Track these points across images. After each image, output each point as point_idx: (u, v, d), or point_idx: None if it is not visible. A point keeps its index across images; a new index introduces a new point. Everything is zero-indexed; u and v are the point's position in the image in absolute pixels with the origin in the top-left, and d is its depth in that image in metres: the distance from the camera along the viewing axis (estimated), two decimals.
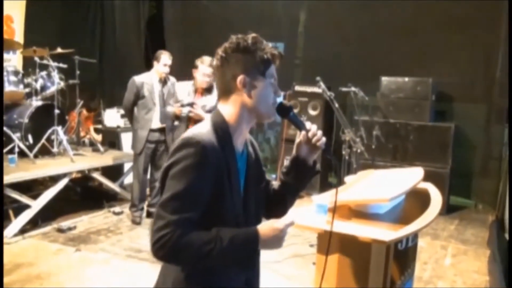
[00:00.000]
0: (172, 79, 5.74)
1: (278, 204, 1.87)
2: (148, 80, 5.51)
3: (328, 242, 1.75)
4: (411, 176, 3.00)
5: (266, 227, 1.57)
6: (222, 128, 1.63)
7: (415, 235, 2.74)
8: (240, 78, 1.62)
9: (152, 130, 5.51)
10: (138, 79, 5.51)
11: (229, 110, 1.66)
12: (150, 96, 5.48)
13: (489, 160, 6.86)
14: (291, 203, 1.89)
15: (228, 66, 1.65)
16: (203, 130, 1.60)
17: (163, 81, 5.58)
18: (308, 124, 1.75)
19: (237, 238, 1.52)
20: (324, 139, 1.75)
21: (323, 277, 1.93)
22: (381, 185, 2.95)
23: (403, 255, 2.62)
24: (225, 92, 1.68)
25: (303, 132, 1.74)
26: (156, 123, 5.52)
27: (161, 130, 5.55)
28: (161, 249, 1.46)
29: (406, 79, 6.65)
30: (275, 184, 1.88)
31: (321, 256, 2.53)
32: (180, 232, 1.46)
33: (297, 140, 1.78)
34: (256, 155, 1.83)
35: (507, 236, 5.32)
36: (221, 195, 1.58)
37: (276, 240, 1.57)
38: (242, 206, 1.67)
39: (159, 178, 1.62)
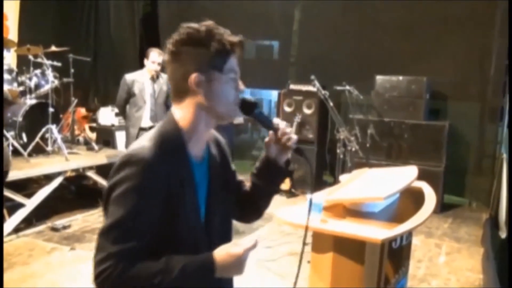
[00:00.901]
0: (165, 77, 5.72)
1: (251, 207, 1.72)
2: (139, 78, 5.49)
3: (304, 238, 1.76)
4: (405, 175, 3.01)
5: (223, 252, 1.39)
6: (173, 138, 1.44)
7: (409, 234, 2.75)
8: (192, 77, 1.41)
9: (142, 129, 5.47)
10: (129, 77, 5.50)
11: (183, 113, 1.47)
12: (141, 94, 5.46)
13: (483, 158, 6.90)
14: (265, 206, 1.72)
15: (179, 62, 1.44)
16: (147, 143, 1.40)
17: (154, 79, 5.54)
18: (276, 122, 1.57)
19: (189, 267, 1.34)
20: (295, 137, 1.56)
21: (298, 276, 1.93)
22: (376, 183, 2.96)
23: (397, 253, 2.62)
24: (178, 93, 1.47)
25: (271, 131, 1.58)
26: (146, 122, 5.50)
27: (152, 129, 5.50)
28: (103, 283, 1.29)
29: (401, 77, 6.66)
30: (248, 185, 1.71)
31: (316, 255, 2.54)
32: (123, 266, 1.29)
33: (266, 139, 1.61)
34: (223, 156, 1.65)
35: (501, 234, 5.35)
36: (174, 215, 1.40)
37: (235, 267, 1.40)
38: (205, 220, 1.50)
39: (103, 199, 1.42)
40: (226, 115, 1.50)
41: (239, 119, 6.21)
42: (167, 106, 5.69)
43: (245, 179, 1.76)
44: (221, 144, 1.67)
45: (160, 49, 6.01)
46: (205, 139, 1.54)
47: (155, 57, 5.46)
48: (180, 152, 1.43)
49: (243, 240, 1.43)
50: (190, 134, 1.47)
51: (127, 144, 5.65)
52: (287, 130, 1.56)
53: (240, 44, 1.47)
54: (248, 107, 1.54)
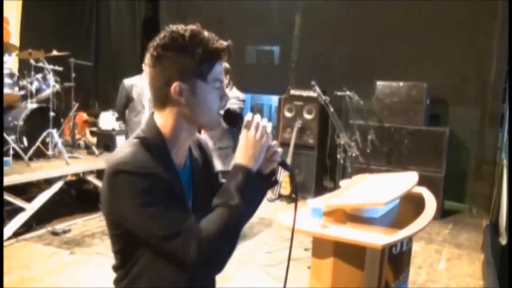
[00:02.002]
0: None
1: None
2: (138, 83, 5.44)
3: (291, 241, 1.76)
4: (405, 181, 3.02)
5: (238, 150, 1.40)
6: (156, 144, 1.37)
7: (409, 239, 2.75)
8: (174, 85, 1.34)
9: None
10: (127, 81, 5.48)
11: (164, 121, 1.40)
12: (139, 98, 5.41)
13: (483, 164, 6.90)
14: (250, 214, 1.58)
15: (160, 68, 1.35)
16: (130, 149, 1.33)
17: None
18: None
19: (236, 185, 1.33)
20: (279, 150, 1.50)
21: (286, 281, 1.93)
22: (376, 189, 2.97)
23: (397, 259, 2.62)
24: (159, 100, 1.40)
25: None
26: None
27: None
28: (204, 255, 1.27)
29: (401, 83, 6.67)
30: None
31: (316, 260, 2.54)
32: (200, 229, 1.28)
33: None
34: (205, 158, 1.60)
35: (501, 240, 5.34)
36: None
37: (258, 145, 1.40)
38: None
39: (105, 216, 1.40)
40: (209, 125, 1.46)
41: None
42: None
43: None
44: (203, 146, 1.63)
45: None
46: (187, 146, 1.50)
47: None
48: (164, 158, 1.38)
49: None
50: (172, 142, 1.42)
51: None
52: (272, 143, 1.48)
53: (228, 50, 1.40)
54: (232, 118, 1.49)
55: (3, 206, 4.96)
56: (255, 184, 1.39)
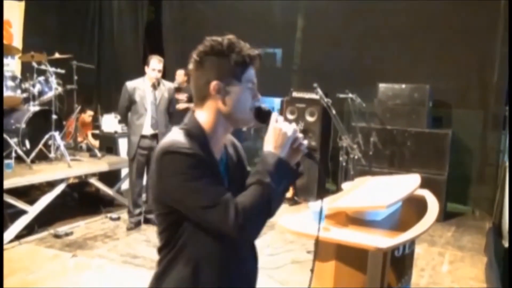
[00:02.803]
0: (168, 84, 5.73)
1: None
2: (140, 85, 5.48)
3: (315, 249, 1.75)
4: (408, 183, 3.01)
5: (266, 142, 1.58)
6: (198, 136, 1.57)
7: (412, 242, 2.74)
8: (213, 84, 1.56)
9: (143, 136, 5.47)
10: (130, 84, 5.49)
11: (204, 116, 1.61)
12: (142, 101, 5.44)
13: (486, 166, 6.88)
14: (277, 205, 1.76)
15: (202, 70, 1.59)
16: (178, 137, 1.53)
17: (155, 86, 5.52)
18: None
19: (272, 173, 1.51)
20: (305, 142, 1.67)
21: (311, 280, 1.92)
22: (378, 192, 2.96)
23: (400, 262, 2.62)
24: (200, 98, 1.62)
25: None
26: (147, 129, 5.48)
27: (154, 137, 5.49)
28: (244, 224, 1.44)
29: (403, 85, 6.66)
30: None
31: (318, 263, 2.53)
32: (238, 202, 1.45)
33: None
34: (239, 157, 1.77)
35: (504, 243, 5.32)
36: None
37: (282, 133, 1.58)
38: None
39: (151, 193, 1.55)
40: (242, 120, 1.64)
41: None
42: (170, 114, 5.69)
43: None
44: (237, 147, 1.80)
45: (163, 56, 6.02)
46: (223, 141, 1.68)
47: (155, 64, 5.44)
48: (205, 148, 1.55)
49: None
50: (210, 135, 1.60)
51: (128, 152, 5.64)
52: (299, 135, 1.65)
53: (258, 57, 1.62)
54: (263, 115, 1.65)
55: (3, 208, 4.97)
56: (282, 169, 1.56)
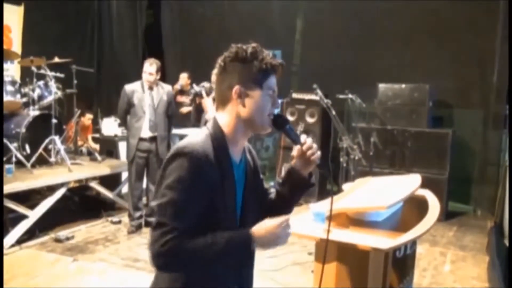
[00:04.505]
0: (167, 87, 5.71)
1: (274, 213, 1.78)
2: (139, 89, 5.48)
3: (325, 252, 1.74)
4: (409, 183, 3.00)
5: (260, 226, 1.59)
6: (218, 138, 1.63)
7: (413, 242, 2.73)
8: (235, 88, 1.62)
9: (142, 139, 5.47)
10: (128, 87, 5.51)
11: (225, 119, 1.66)
12: (140, 104, 5.45)
13: (487, 166, 6.87)
14: (287, 213, 1.83)
15: (225, 75, 1.64)
16: (198, 139, 1.60)
17: (153, 89, 5.51)
18: (303, 138, 1.75)
19: (233, 240, 1.54)
20: (319, 153, 1.74)
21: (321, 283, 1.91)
22: (379, 192, 2.95)
23: (401, 262, 2.61)
24: (222, 101, 1.67)
25: (298, 146, 1.74)
26: (146, 132, 5.49)
27: (153, 139, 5.51)
28: (168, 252, 1.48)
29: (403, 85, 6.66)
30: (273, 193, 1.88)
31: (319, 265, 2.52)
32: (183, 239, 1.49)
33: (293, 153, 1.79)
34: (255, 163, 1.83)
35: (506, 242, 5.30)
36: (214, 207, 1.58)
37: (273, 238, 1.58)
38: (240, 216, 1.69)
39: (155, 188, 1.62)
40: (260, 126, 1.68)
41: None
42: (169, 116, 5.69)
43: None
44: (253, 154, 1.86)
45: (163, 59, 6.00)
46: (243, 145, 1.74)
47: (146, 67, 5.44)
48: (223, 151, 1.63)
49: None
50: (231, 138, 1.66)
51: (127, 155, 5.65)
52: (313, 146, 1.73)
53: (280, 66, 1.68)
54: (280, 122, 1.71)
55: (3, 211, 4.96)
56: (244, 253, 1.60)
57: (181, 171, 1.53)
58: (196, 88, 4.89)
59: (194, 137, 1.62)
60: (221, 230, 1.56)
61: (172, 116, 5.82)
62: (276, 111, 1.71)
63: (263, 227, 1.59)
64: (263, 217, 1.81)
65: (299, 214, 2.71)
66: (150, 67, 5.43)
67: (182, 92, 7.47)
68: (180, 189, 1.52)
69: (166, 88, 5.69)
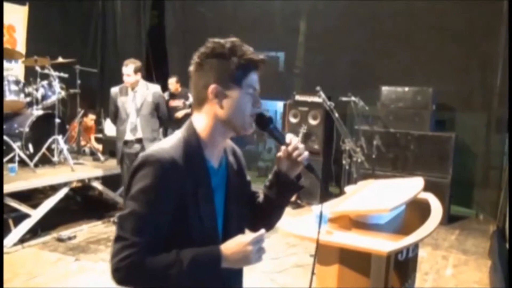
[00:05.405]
0: (153, 88, 5.52)
1: (263, 218, 1.75)
2: (123, 91, 5.39)
3: (315, 254, 1.74)
4: (411, 186, 3.00)
5: (230, 243, 1.47)
6: (191, 142, 1.52)
7: (415, 246, 2.73)
8: (212, 87, 1.49)
9: (126, 142, 5.39)
10: (113, 90, 5.45)
11: (201, 121, 1.54)
12: (123, 106, 5.36)
13: (489, 169, 6.85)
14: (276, 218, 1.77)
15: (201, 73, 1.52)
16: (167, 145, 1.49)
17: (136, 91, 5.37)
18: (288, 137, 1.61)
19: (198, 258, 1.42)
20: (306, 153, 1.61)
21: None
22: (382, 195, 2.95)
23: (403, 265, 2.60)
24: (198, 101, 1.55)
25: (283, 147, 1.62)
26: (128, 135, 5.38)
27: (139, 141, 5.38)
28: (125, 269, 1.38)
29: (406, 88, 6.65)
30: (261, 196, 1.76)
31: (321, 267, 2.52)
32: (143, 255, 1.39)
33: (278, 154, 1.65)
34: (239, 165, 1.71)
35: (508, 246, 5.29)
36: (187, 218, 1.47)
37: (243, 255, 1.46)
38: (223, 225, 1.58)
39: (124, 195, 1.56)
40: (240, 127, 1.55)
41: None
42: (159, 118, 5.53)
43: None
44: (238, 154, 1.73)
45: (166, 60, 5.98)
46: (222, 147, 1.61)
47: (123, 69, 5.30)
48: (197, 156, 1.51)
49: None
50: (207, 142, 1.54)
51: (116, 158, 5.62)
52: (299, 146, 1.60)
53: (262, 62, 1.55)
54: (263, 122, 1.59)
55: (3, 208, 4.97)
56: (212, 273, 1.47)
57: (146, 181, 1.42)
58: (191, 98, 4.86)
59: (164, 143, 1.51)
60: (192, 246, 1.44)
61: (163, 117, 5.64)
62: (259, 110, 1.58)
63: (233, 244, 1.46)
64: (251, 223, 1.74)
65: (302, 215, 2.71)
66: (126, 68, 5.27)
67: (173, 96, 7.46)
68: (143, 201, 1.41)
69: (153, 88, 5.51)
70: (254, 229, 1.74)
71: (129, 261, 1.37)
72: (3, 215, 4.88)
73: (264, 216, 1.75)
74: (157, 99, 5.47)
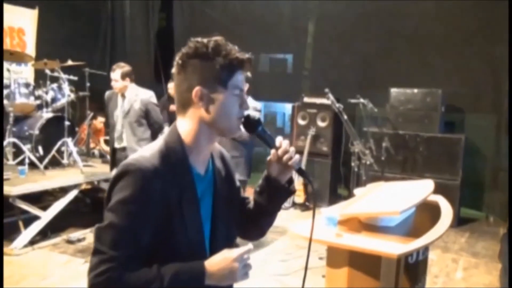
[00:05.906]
0: (144, 95, 5.10)
1: (254, 224, 1.68)
2: (114, 96, 5.18)
3: (308, 253, 1.74)
4: (421, 189, 2.98)
5: (215, 258, 1.41)
6: (175, 148, 1.44)
7: (425, 248, 2.71)
8: (195, 90, 1.41)
9: (115, 149, 5.20)
10: (106, 94, 5.29)
11: (185, 126, 1.46)
12: (112, 113, 5.17)
13: (499, 171, 6.80)
14: (267, 224, 1.70)
15: (184, 75, 1.44)
16: (148, 152, 1.41)
17: (125, 97, 5.07)
18: (278, 140, 1.53)
19: (180, 275, 1.35)
20: (297, 157, 1.53)
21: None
22: (391, 197, 2.94)
23: (413, 268, 2.59)
24: (182, 105, 1.48)
25: (273, 150, 1.54)
26: (116, 142, 5.18)
27: (124, 150, 5.07)
28: (102, 283, 1.29)
29: (415, 90, 6.62)
30: (251, 202, 1.68)
31: (331, 269, 2.51)
32: (122, 270, 1.30)
33: (268, 157, 1.57)
34: (228, 171, 1.63)
35: None
36: (171, 229, 1.39)
37: (228, 272, 1.39)
38: (210, 233, 1.51)
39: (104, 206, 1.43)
40: (227, 130, 1.49)
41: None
42: (151, 126, 5.15)
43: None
44: (226, 159, 1.66)
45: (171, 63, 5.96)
46: (208, 152, 1.54)
47: (111, 73, 5.03)
48: (180, 163, 1.43)
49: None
50: (192, 147, 1.46)
51: (111, 165, 5.47)
52: (290, 149, 1.52)
53: (248, 61, 1.46)
54: (251, 124, 1.52)
55: (3, 207, 5.00)
56: (194, 285, 1.39)
57: (125, 192, 1.34)
58: None
59: (145, 151, 1.43)
60: (177, 258, 1.38)
61: (156, 125, 5.17)
62: (246, 112, 1.50)
63: (218, 260, 1.40)
64: (242, 230, 1.69)
65: (310, 218, 2.70)
66: (113, 73, 4.98)
67: (173, 101, 7.44)
68: (123, 212, 1.33)
69: (143, 95, 5.09)
70: (245, 236, 1.73)
71: (106, 276, 1.29)
72: (3, 215, 4.90)
73: (255, 222, 1.68)
74: (145, 106, 5.06)
